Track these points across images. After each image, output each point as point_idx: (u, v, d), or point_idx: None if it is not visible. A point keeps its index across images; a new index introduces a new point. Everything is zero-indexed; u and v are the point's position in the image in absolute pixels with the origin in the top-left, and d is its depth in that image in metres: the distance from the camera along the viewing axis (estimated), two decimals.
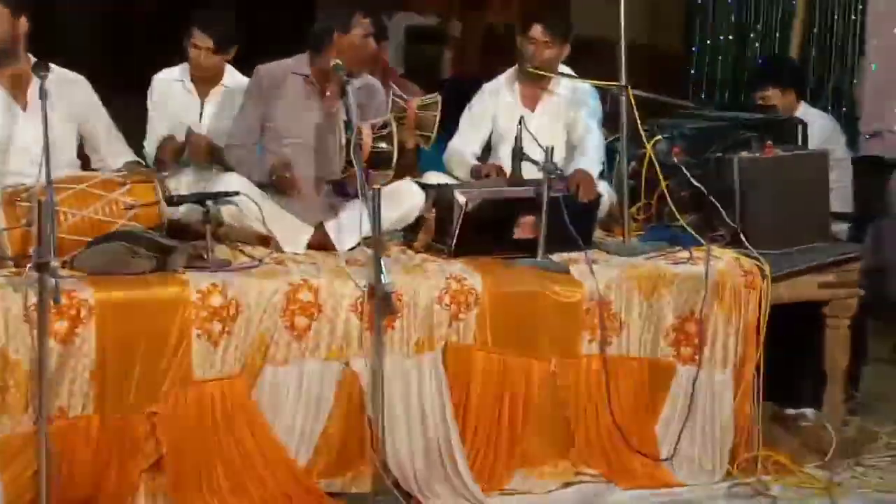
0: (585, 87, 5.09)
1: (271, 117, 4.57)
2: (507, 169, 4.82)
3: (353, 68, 4.50)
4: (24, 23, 4.32)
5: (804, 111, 5.49)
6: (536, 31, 5.04)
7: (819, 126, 5.41)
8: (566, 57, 5.11)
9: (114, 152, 4.64)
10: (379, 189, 3.97)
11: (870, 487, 4.32)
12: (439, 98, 5.01)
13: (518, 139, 4.58)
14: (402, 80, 5.62)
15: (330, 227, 4.45)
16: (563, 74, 5.09)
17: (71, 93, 4.47)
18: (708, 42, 10.48)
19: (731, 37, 10.15)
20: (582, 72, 5.16)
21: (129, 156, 4.69)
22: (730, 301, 4.38)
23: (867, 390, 5.23)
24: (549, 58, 5.03)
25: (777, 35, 9.07)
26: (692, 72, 10.79)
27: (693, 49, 10.69)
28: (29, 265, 3.61)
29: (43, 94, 3.88)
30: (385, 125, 4.51)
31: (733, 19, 10.07)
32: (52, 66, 4.21)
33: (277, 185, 4.46)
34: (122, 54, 9.56)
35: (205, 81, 5.05)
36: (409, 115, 4.70)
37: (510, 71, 5.22)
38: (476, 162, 5.09)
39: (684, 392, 4.36)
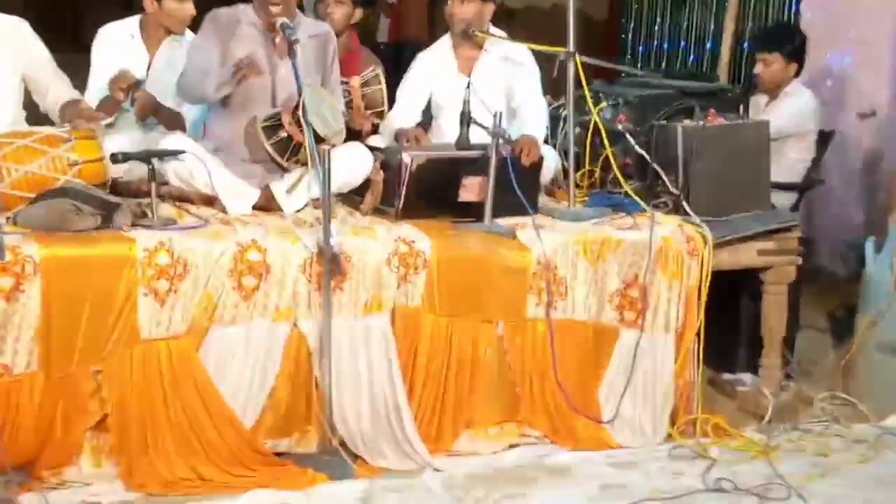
0: (522, 50, 5.07)
1: (228, 59, 4.43)
2: (448, 138, 4.79)
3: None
4: None
5: (796, 87, 5.56)
6: None
7: (804, 102, 5.51)
8: (493, 16, 5.06)
9: (60, 93, 4.53)
10: (329, 151, 3.94)
11: (806, 451, 4.41)
12: (379, 71, 4.97)
13: (466, 103, 4.55)
14: (366, 54, 5.52)
15: (276, 188, 4.40)
16: (500, 37, 5.07)
17: (14, 38, 4.37)
18: (636, 8, 10.57)
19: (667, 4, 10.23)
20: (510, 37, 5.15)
21: (74, 95, 4.57)
22: (673, 267, 4.43)
23: (801, 357, 5.34)
24: (471, 15, 4.97)
25: (714, 6, 9.17)
26: (623, 36, 10.89)
27: (623, 19, 10.79)
28: None
29: None
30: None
31: None
32: None
33: (243, 70, 4.28)
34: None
35: (157, 35, 4.96)
36: (354, 97, 4.67)
37: (445, 37, 5.19)
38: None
39: (627, 356, 4.42)
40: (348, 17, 5.21)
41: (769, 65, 5.52)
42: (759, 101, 5.60)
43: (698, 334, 4.48)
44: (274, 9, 4.34)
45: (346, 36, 5.27)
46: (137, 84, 4.70)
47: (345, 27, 5.23)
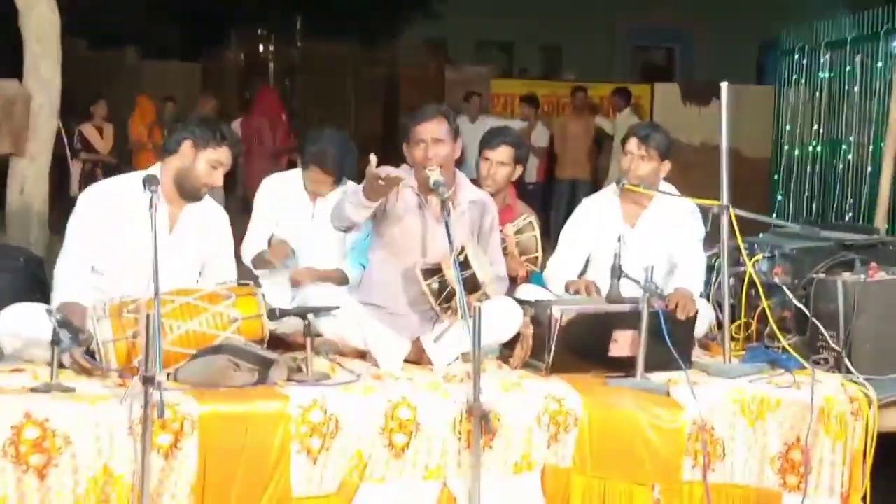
0: (687, 204, 5.04)
1: (381, 216, 4.58)
2: (602, 287, 4.78)
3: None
4: None
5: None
6: (632, 144, 5.03)
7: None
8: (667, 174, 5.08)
9: (221, 275, 4.55)
10: (480, 307, 3.95)
11: None
12: (532, 218, 5.00)
13: (617, 256, 4.54)
14: (521, 205, 5.59)
15: (426, 341, 4.44)
16: (660, 191, 5.05)
17: (211, 228, 4.56)
18: (794, 150, 10.46)
19: (818, 147, 10.13)
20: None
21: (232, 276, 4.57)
22: (836, 428, 4.27)
23: None
24: (646, 172, 5.00)
25: (870, 147, 8.99)
26: (775, 178, 10.79)
27: (779, 156, 10.69)
28: (134, 377, 3.64)
29: (152, 205, 3.93)
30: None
31: (822, 129, 10.05)
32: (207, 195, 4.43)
33: (379, 185, 4.26)
34: None
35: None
36: (509, 244, 4.71)
37: (612, 186, 5.21)
38: (575, 279, 5.04)
39: None
40: (510, 176, 5.28)
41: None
42: None
43: (864, 498, 4.29)
44: (430, 172, 4.44)
45: (505, 192, 5.34)
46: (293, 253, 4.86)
47: (506, 185, 5.30)
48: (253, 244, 5.23)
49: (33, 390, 3.76)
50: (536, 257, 4.89)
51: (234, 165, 4.53)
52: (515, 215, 5.24)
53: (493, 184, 5.17)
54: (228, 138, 4.42)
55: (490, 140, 5.25)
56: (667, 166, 5.06)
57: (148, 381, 3.45)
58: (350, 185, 5.11)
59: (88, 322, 4.00)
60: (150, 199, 3.93)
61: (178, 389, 3.83)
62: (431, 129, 4.54)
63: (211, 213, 4.58)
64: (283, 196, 5.22)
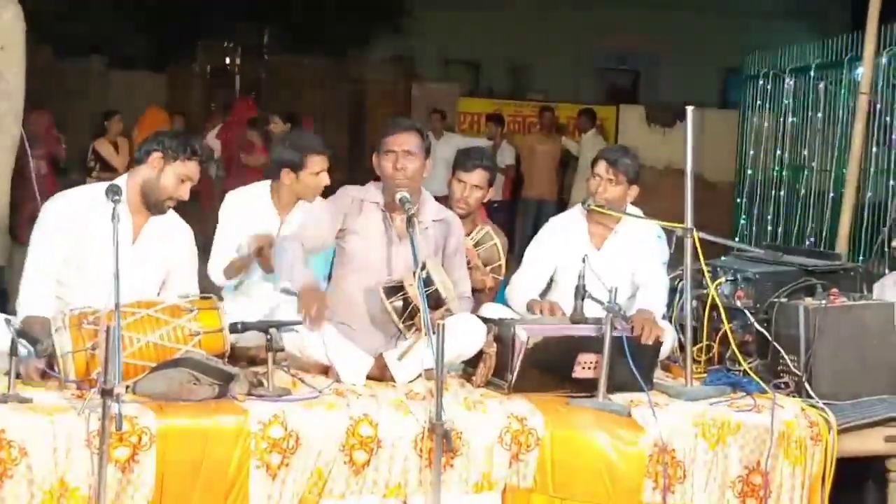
0: (653, 227, 5.06)
1: (345, 232, 4.59)
2: (565, 306, 4.78)
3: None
4: None
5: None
6: (601, 167, 5.05)
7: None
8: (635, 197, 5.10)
9: (183, 288, 4.52)
10: (443, 325, 3.94)
11: None
12: (487, 228, 5.00)
13: (581, 277, 4.54)
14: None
15: (389, 357, 4.42)
16: (626, 213, 5.07)
17: (175, 240, 4.53)
18: (758, 174, 10.55)
19: (781, 172, 10.22)
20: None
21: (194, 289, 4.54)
22: (795, 453, 4.28)
23: None
24: (614, 196, 5.02)
25: (832, 174, 9.08)
26: (738, 200, 10.87)
27: (742, 180, 10.78)
28: (93, 389, 3.60)
29: (115, 216, 3.89)
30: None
31: (786, 154, 10.15)
32: (170, 209, 4.40)
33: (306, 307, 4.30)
34: None
35: (289, 199, 5.12)
36: (471, 258, 4.71)
37: (578, 206, 5.22)
38: (537, 297, 5.04)
39: None
40: (483, 199, 5.30)
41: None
42: (884, 282, 5.44)
43: None
44: (398, 191, 4.45)
45: (475, 214, 5.35)
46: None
47: (478, 207, 5.32)
48: (221, 260, 5.15)
49: None
50: (500, 265, 4.89)
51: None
52: (472, 228, 5.25)
53: (466, 206, 5.19)
54: (199, 152, 4.40)
55: (465, 162, 5.26)
56: (634, 191, 5.09)
57: (107, 393, 3.42)
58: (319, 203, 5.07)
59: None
60: (113, 210, 3.89)
61: (136, 402, 3.79)
62: (403, 141, 4.55)
63: (175, 226, 4.55)
64: (248, 211, 5.16)
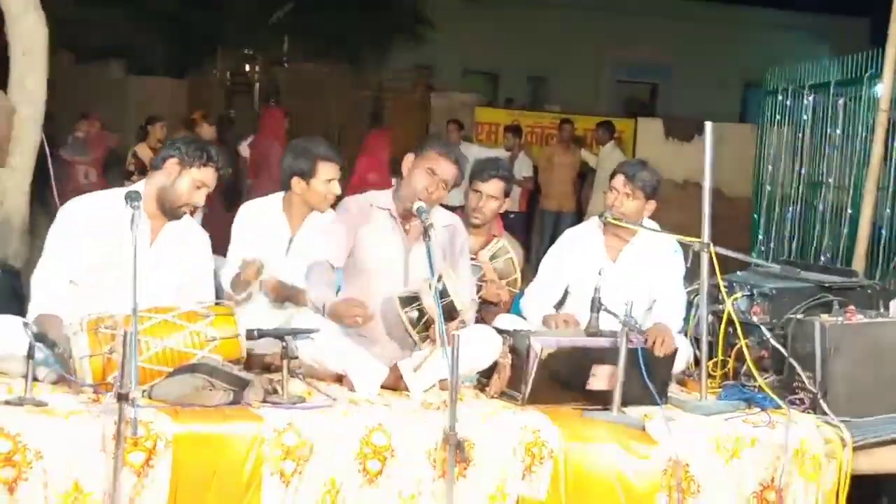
0: (669, 241, 5.06)
1: (359, 243, 4.60)
2: (580, 318, 4.78)
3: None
4: None
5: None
6: (618, 181, 5.04)
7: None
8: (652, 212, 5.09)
9: (198, 294, 4.53)
10: (459, 336, 3.94)
11: None
12: (503, 241, 4.99)
13: (597, 290, 4.54)
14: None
15: (404, 367, 4.42)
16: (643, 227, 5.07)
17: (191, 245, 4.53)
18: (776, 189, 10.51)
19: (799, 188, 10.19)
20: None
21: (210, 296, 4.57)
22: (810, 470, 4.27)
23: None
24: (630, 211, 5.02)
25: (850, 190, 9.05)
26: (755, 215, 10.84)
27: (760, 195, 10.74)
28: (109, 393, 3.62)
29: (133, 223, 3.92)
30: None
31: (804, 170, 10.12)
32: (187, 215, 4.43)
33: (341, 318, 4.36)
34: None
35: (300, 211, 5.06)
36: (487, 271, 4.71)
37: (594, 219, 5.22)
38: (552, 310, 5.04)
39: None
40: (499, 209, 5.31)
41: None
42: None
43: None
44: (416, 202, 4.48)
45: (491, 224, 5.35)
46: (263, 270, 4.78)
47: (494, 218, 5.32)
48: (230, 272, 5.13)
49: (7, 403, 3.72)
50: (516, 279, 4.89)
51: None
52: (488, 239, 5.25)
53: (482, 216, 5.20)
54: (216, 159, 4.41)
55: (482, 172, 5.26)
56: (652, 205, 5.08)
57: (122, 397, 3.43)
58: (331, 215, 5.05)
59: (65, 335, 3.97)
60: (132, 216, 3.91)
61: (152, 407, 3.80)
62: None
63: (192, 231, 4.56)
64: (261, 222, 5.15)
